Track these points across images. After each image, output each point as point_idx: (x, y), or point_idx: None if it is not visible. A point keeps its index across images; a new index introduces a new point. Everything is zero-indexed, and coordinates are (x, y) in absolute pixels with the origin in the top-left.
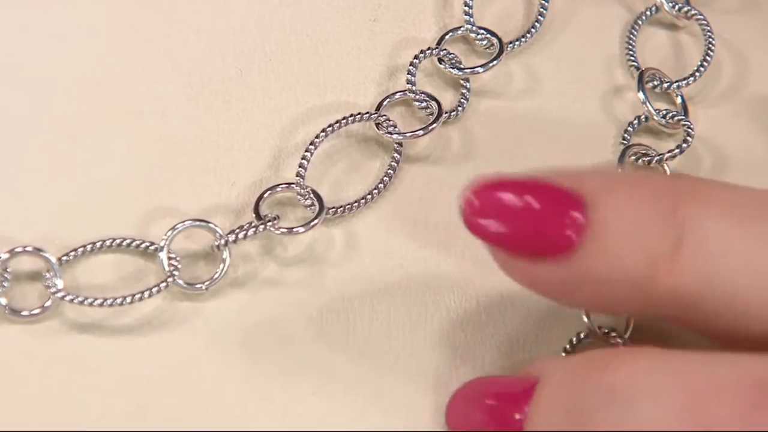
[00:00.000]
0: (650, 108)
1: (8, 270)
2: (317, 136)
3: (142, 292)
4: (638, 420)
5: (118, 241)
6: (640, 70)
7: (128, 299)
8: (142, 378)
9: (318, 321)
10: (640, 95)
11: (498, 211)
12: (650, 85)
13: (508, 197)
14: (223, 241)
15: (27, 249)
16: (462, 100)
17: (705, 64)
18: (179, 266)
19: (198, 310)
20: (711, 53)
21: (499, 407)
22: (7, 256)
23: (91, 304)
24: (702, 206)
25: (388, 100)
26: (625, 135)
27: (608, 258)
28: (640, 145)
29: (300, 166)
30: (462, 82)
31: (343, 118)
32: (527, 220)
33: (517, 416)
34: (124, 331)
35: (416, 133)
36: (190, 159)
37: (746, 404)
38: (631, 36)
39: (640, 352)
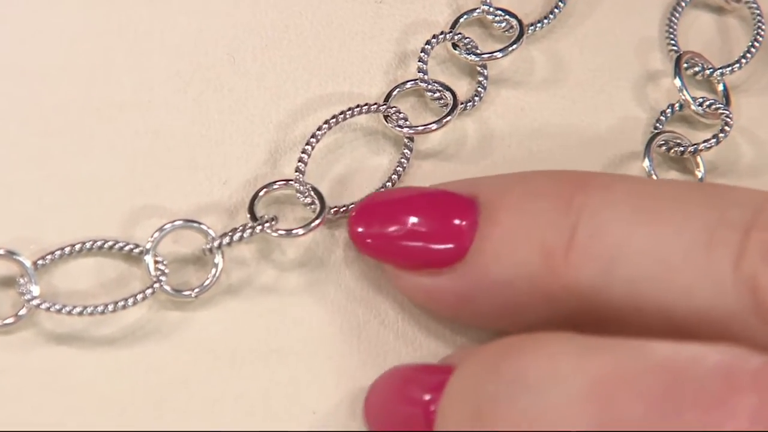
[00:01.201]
0: (686, 95)
1: None
2: (319, 129)
3: (126, 300)
4: (545, 407)
5: (99, 243)
6: (678, 54)
7: (110, 307)
8: (126, 395)
9: (319, 332)
10: (677, 81)
11: (383, 222)
12: (690, 71)
13: (394, 206)
14: (215, 244)
15: None
16: (479, 90)
17: (752, 50)
18: (166, 271)
19: (187, 319)
20: (760, 39)
21: (414, 399)
22: None
23: (69, 313)
24: (598, 195)
25: (397, 90)
26: (657, 125)
27: (500, 256)
28: (671, 132)
29: (299, 161)
30: (479, 69)
31: (348, 110)
32: (415, 228)
33: (432, 408)
34: (106, 342)
35: (429, 126)
36: (178, 154)
37: (656, 395)
38: (673, 18)
39: (548, 337)
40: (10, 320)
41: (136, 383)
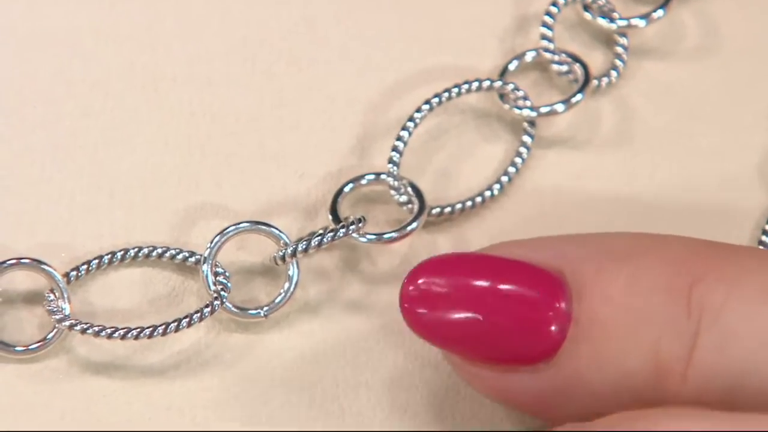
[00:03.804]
0: None
1: None
2: (418, 110)
3: (179, 321)
4: None
5: (145, 250)
6: None
7: (160, 330)
8: None
9: (418, 361)
10: None
11: (447, 302)
12: None
13: (461, 283)
14: (289, 251)
15: (23, 261)
16: (616, 62)
17: None
18: (229, 285)
19: (254, 344)
20: None
21: None
22: None
23: (109, 336)
24: (723, 289)
25: (515, 62)
26: None
27: (602, 362)
28: None
29: (394, 150)
30: (616, 37)
31: (455, 87)
32: (489, 314)
33: None
34: (155, 372)
35: (554, 107)
36: (244, 141)
37: None
38: None
39: (675, 413)
40: (36, 345)
41: (191, 422)
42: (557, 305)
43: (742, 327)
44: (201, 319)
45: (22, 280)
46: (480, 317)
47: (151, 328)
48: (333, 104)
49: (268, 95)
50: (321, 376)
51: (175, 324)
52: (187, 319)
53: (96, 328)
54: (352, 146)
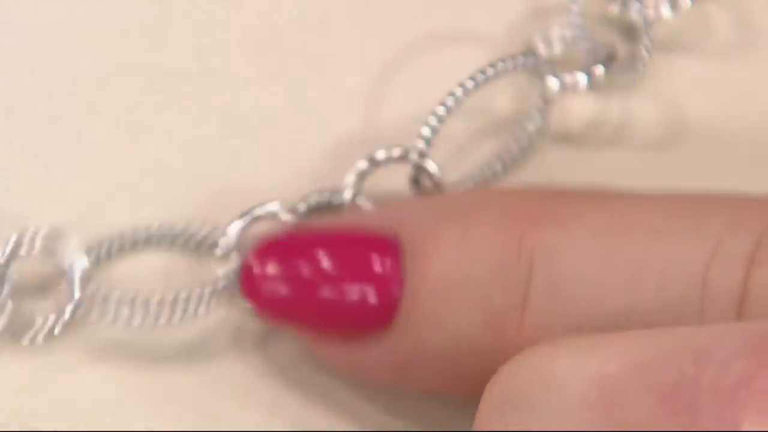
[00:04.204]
0: None
1: (8, 274)
2: (441, 105)
3: (197, 306)
4: (538, 421)
5: (165, 232)
6: None
7: (177, 315)
8: (203, 422)
9: None
10: None
11: (282, 275)
12: None
13: (289, 261)
14: None
15: (36, 248)
16: (642, 55)
17: None
18: None
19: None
20: None
21: None
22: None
23: (125, 324)
24: (555, 231)
25: (541, 44)
26: None
27: (437, 323)
28: None
29: (425, 125)
30: (642, 29)
31: (472, 79)
32: (325, 284)
33: None
34: (172, 359)
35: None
36: (255, 141)
37: (668, 387)
38: None
39: (544, 344)
40: (44, 332)
41: (212, 409)
42: (388, 268)
43: (573, 270)
44: (220, 303)
45: (34, 264)
46: (307, 293)
47: (168, 314)
48: (348, 100)
49: (280, 92)
50: None
51: (194, 309)
52: (206, 304)
53: (110, 316)
54: (368, 143)
